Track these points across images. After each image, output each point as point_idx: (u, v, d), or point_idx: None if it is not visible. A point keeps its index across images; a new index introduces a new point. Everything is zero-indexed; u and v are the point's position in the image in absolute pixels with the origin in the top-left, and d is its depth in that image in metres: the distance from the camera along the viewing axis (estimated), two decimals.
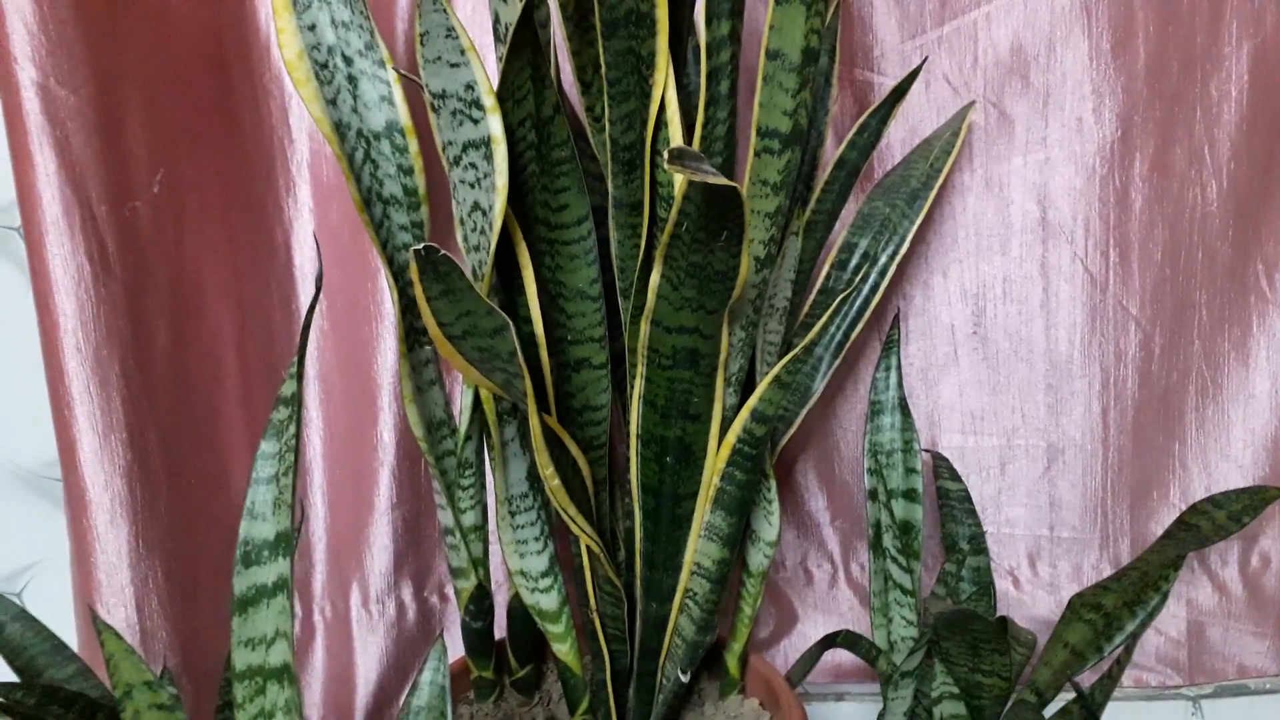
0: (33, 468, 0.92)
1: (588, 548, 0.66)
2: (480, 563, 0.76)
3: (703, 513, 0.65)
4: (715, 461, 0.64)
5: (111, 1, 0.77)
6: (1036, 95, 0.85)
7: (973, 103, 0.83)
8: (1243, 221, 0.85)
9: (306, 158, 0.89)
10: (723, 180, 0.50)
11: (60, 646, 0.65)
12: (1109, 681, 0.64)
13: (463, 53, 0.59)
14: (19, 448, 0.91)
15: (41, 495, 0.93)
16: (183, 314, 0.83)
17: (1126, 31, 0.83)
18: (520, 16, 0.57)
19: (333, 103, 0.67)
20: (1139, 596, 0.71)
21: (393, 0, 0.84)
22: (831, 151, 0.77)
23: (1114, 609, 0.71)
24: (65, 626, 0.81)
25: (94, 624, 0.51)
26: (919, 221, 0.78)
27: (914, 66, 0.84)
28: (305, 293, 0.90)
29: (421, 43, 0.60)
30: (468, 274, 0.67)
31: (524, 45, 0.60)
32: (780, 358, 0.74)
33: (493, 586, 0.79)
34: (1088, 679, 0.80)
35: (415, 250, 0.52)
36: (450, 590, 0.95)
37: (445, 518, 0.74)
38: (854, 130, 0.75)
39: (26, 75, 0.73)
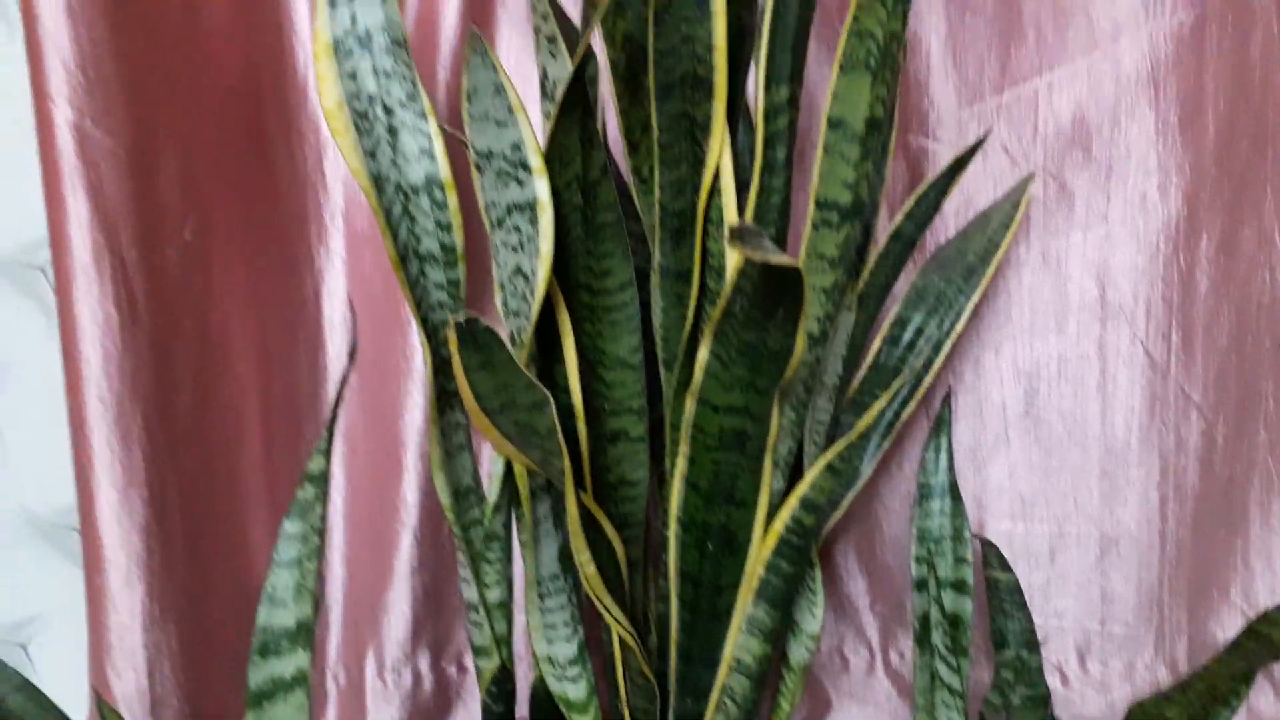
0: (47, 516, 0.89)
1: (620, 638, 0.62)
2: (504, 641, 0.72)
3: (745, 605, 0.61)
4: (760, 551, 0.60)
5: (152, 41, 0.75)
6: (1099, 169, 0.81)
7: (1032, 175, 0.80)
8: None
9: (341, 206, 0.86)
10: (785, 260, 0.47)
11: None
12: None
13: (510, 111, 0.57)
14: (34, 495, 0.89)
15: (53, 545, 0.90)
16: (207, 365, 0.80)
17: (1195, 106, 0.79)
18: (572, 78, 0.55)
19: (371, 154, 0.65)
20: (1205, 712, 0.66)
21: (434, 47, 0.82)
22: (885, 221, 0.74)
23: None
24: (71, 681, 0.77)
25: (99, 708, 0.48)
26: (976, 298, 0.74)
27: (970, 133, 0.82)
28: (334, 345, 0.87)
29: (468, 99, 0.58)
30: (504, 337, 0.64)
31: (574, 106, 0.57)
32: (828, 437, 0.70)
33: (515, 660, 0.75)
34: None
35: (456, 322, 0.49)
36: (469, 661, 0.91)
37: (469, 592, 0.71)
38: (911, 202, 0.72)
39: (62, 115, 0.71)
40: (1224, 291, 0.82)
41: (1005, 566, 0.78)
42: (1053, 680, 0.86)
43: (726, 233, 0.46)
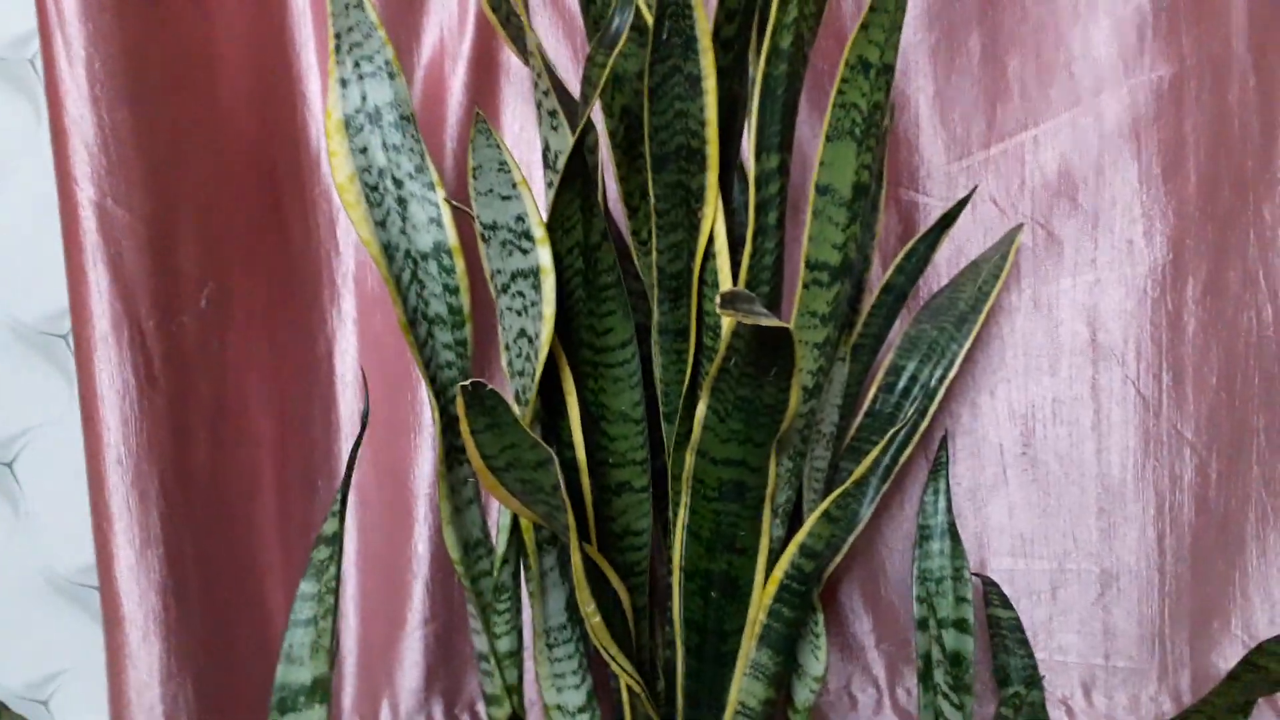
0: (69, 575, 0.91)
1: (627, 686, 0.64)
2: (515, 689, 0.74)
3: (748, 650, 0.63)
4: (762, 597, 0.62)
5: (170, 123, 0.79)
6: (1085, 217, 0.84)
7: (1021, 225, 0.82)
8: None
9: (352, 269, 0.89)
10: (775, 322, 0.49)
11: None
12: None
13: (514, 186, 0.60)
14: (57, 555, 0.91)
15: (76, 603, 0.92)
16: (223, 426, 0.83)
17: (1177, 155, 0.82)
18: (571, 151, 0.58)
19: (382, 224, 0.68)
20: None
21: (442, 120, 0.86)
22: (877, 274, 0.77)
23: None
24: None
25: None
26: (968, 345, 0.76)
27: (959, 187, 0.84)
28: (346, 403, 0.90)
29: (474, 176, 0.61)
30: (510, 397, 0.67)
31: (575, 176, 0.60)
32: (826, 483, 0.72)
33: (526, 706, 0.77)
34: None
35: (463, 386, 0.52)
36: (481, 708, 0.92)
37: (480, 643, 0.73)
38: (902, 255, 0.75)
39: (85, 195, 0.74)
40: (1212, 332, 0.84)
41: (1006, 604, 0.80)
42: (1059, 714, 0.88)
43: (718, 300, 0.48)
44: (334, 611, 0.48)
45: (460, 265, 0.70)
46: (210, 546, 0.81)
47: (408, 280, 0.69)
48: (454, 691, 0.92)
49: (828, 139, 0.59)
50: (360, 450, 0.90)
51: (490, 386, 0.53)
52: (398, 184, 0.69)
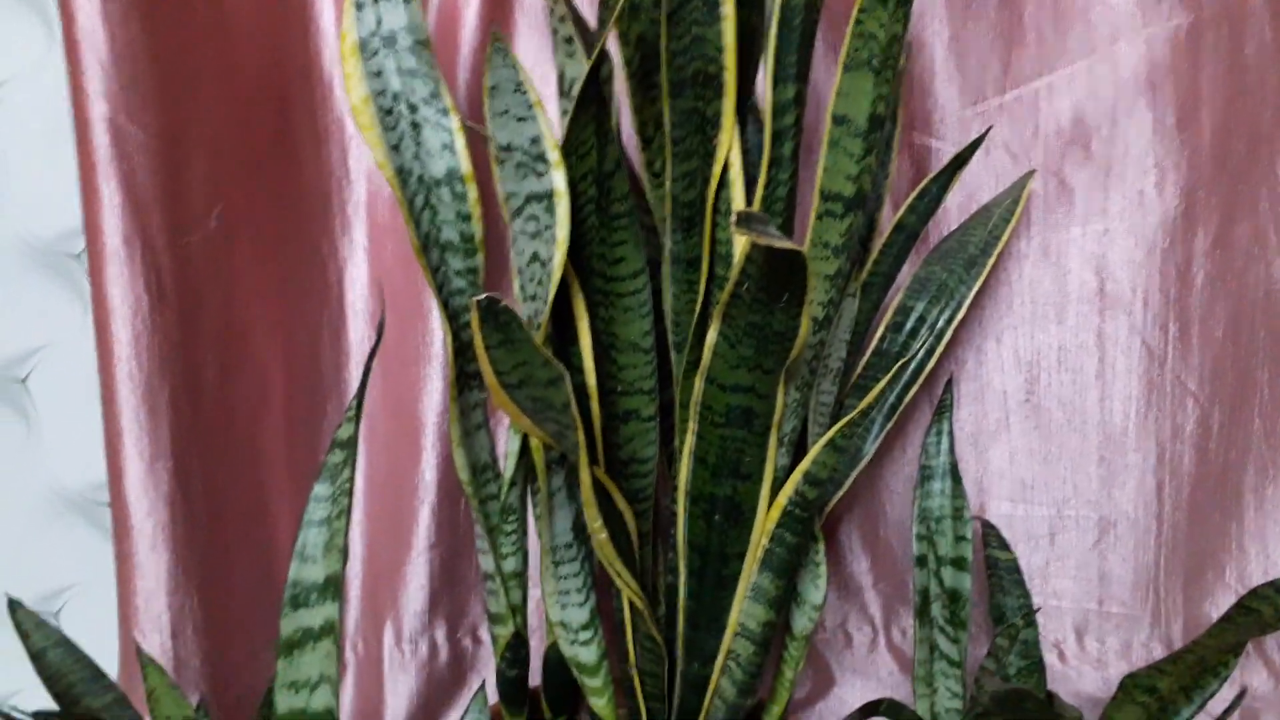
0: (81, 491, 0.93)
1: (630, 603, 0.66)
2: (519, 609, 0.75)
3: (750, 574, 0.65)
4: (765, 522, 0.63)
5: (183, 40, 0.79)
6: (1098, 166, 0.84)
7: (1033, 171, 0.82)
8: None
9: (363, 199, 0.90)
10: (789, 244, 0.50)
11: (98, 675, 0.65)
12: None
13: (530, 107, 0.60)
14: (69, 471, 0.92)
15: (86, 519, 0.94)
16: (232, 345, 0.84)
17: (1192, 106, 0.82)
18: (587, 75, 0.58)
19: (395, 148, 0.68)
20: (1196, 682, 0.68)
21: (455, 48, 0.86)
22: (889, 214, 0.77)
23: (1169, 693, 0.69)
24: (99, 649, 0.81)
25: (139, 658, 0.51)
26: (977, 287, 0.77)
27: (973, 133, 0.84)
28: (356, 330, 0.91)
29: (490, 96, 0.61)
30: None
31: (590, 102, 0.60)
32: (832, 419, 0.73)
33: (529, 630, 0.79)
34: None
35: (477, 300, 0.52)
36: (484, 633, 0.94)
37: (486, 563, 0.74)
38: (914, 195, 0.75)
39: (98, 110, 0.75)
40: (1220, 285, 0.84)
41: (1004, 546, 0.81)
42: (1051, 657, 0.89)
43: (733, 218, 0.49)
44: (348, 513, 0.49)
45: (473, 193, 0.70)
46: (218, 462, 0.82)
47: (420, 205, 0.69)
48: (457, 615, 0.93)
49: (845, 69, 0.59)
50: (369, 380, 0.92)
51: (504, 302, 0.54)
52: (412, 109, 0.69)
